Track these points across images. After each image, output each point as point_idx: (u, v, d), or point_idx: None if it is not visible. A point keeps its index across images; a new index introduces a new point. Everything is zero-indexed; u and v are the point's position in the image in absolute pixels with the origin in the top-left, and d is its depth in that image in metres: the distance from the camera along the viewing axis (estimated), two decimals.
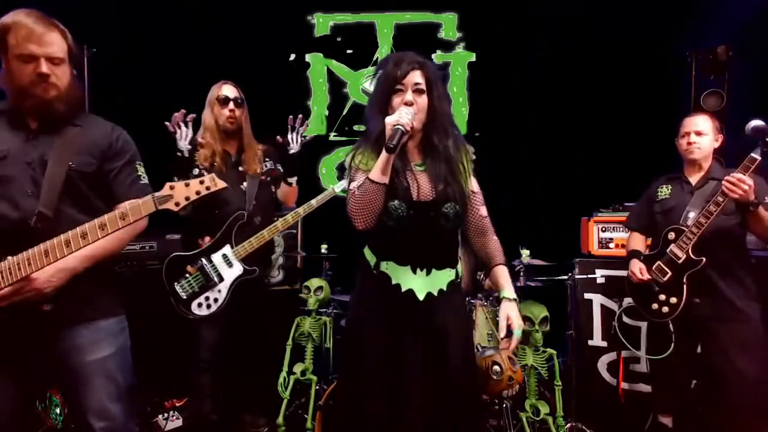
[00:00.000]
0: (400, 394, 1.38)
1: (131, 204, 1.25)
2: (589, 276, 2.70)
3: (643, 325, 2.56)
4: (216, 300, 2.07)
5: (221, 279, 2.08)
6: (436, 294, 1.46)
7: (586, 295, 2.76)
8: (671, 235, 2.07)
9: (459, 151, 1.50)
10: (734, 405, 1.93)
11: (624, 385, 2.57)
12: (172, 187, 1.27)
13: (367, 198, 1.35)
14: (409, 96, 1.39)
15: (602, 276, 2.70)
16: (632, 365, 2.64)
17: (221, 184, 1.31)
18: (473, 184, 1.55)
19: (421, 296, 1.44)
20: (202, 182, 1.29)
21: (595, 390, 2.66)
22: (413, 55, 1.44)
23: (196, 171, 2.15)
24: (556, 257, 2.73)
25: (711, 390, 2.06)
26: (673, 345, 2.06)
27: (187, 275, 2.06)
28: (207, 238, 2.13)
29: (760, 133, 1.88)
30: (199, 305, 2.05)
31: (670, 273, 2.04)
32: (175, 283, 2.04)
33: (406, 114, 1.33)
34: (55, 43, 1.35)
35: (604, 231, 2.84)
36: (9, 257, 1.23)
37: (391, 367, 1.40)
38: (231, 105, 2.18)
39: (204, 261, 2.07)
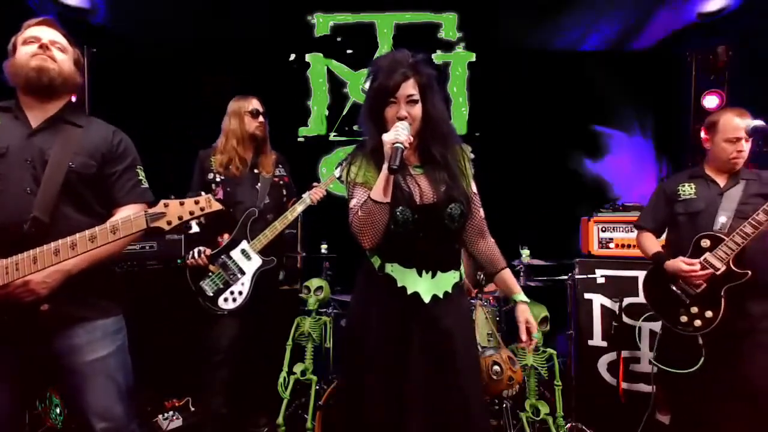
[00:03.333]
0: (402, 399, 1.37)
1: (123, 219, 1.25)
2: (589, 276, 2.69)
3: (644, 325, 2.56)
4: (241, 293, 2.21)
5: (243, 272, 2.23)
6: (441, 296, 1.45)
7: (586, 295, 2.75)
8: (705, 243, 1.89)
9: (456, 153, 1.50)
10: None
11: (624, 385, 2.58)
12: (166, 205, 1.26)
13: (372, 218, 1.33)
14: (402, 111, 1.37)
15: (602, 276, 2.70)
16: (632, 365, 2.64)
17: (216, 205, 1.32)
18: (473, 185, 1.54)
19: (426, 299, 1.43)
20: (197, 202, 1.29)
21: (595, 390, 2.66)
22: (405, 59, 1.39)
23: (210, 175, 2.29)
24: (556, 257, 2.73)
25: (749, 407, 1.87)
26: (702, 359, 1.92)
27: (210, 273, 2.20)
28: (226, 235, 2.26)
29: (760, 133, 1.88)
30: (225, 300, 2.19)
31: (704, 284, 1.89)
32: (201, 282, 2.19)
33: (403, 130, 1.30)
34: (60, 37, 1.42)
35: (604, 231, 2.84)
36: (1, 259, 1.23)
37: (394, 371, 1.39)
38: (261, 118, 2.36)
39: (224, 258, 2.22)
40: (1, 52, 1.44)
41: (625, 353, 2.56)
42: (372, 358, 1.42)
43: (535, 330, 1.50)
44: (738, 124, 1.93)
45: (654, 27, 3.43)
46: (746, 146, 1.93)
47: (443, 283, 1.46)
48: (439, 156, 1.45)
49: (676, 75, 3.37)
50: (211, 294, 2.18)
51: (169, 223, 1.26)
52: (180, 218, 1.27)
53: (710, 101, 3.13)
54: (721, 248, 1.84)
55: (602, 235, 2.84)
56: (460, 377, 1.41)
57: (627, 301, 2.48)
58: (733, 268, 1.84)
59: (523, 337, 1.51)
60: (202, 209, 1.29)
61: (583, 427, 2.40)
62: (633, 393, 2.61)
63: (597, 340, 2.73)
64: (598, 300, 2.74)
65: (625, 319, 2.59)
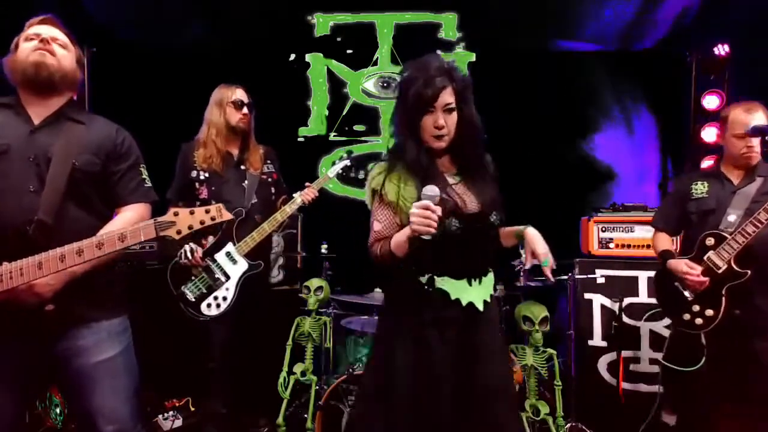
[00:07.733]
0: (468, 406, 1.36)
1: (132, 227, 1.24)
2: (589, 276, 2.69)
3: (644, 325, 2.56)
4: (225, 298, 2.10)
5: (227, 277, 2.11)
6: (489, 301, 1.46)
7: (586, 295, 2.75)
8: (710, 241, 1.88)
9: (488, 160, 1.53)
10: None
11: (624, 385, 2.57)
12: (176, 214, 1.25)
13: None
14: (440, 120, 1.36)
15: (602, 276, 2.70)
16: (632, 365, 2.64)
17: (227, 215, 1.30)
18: None
19: (481, 307, 1.42)
20: (207, 211, 1.27)
21: (595, 390, 2.65)
22: (441, 68, 1.37)
23: (194, 173, 2.15)
24: (556, 257, 2.72)
25: (757, 408, 1.87)
26: (705, 358, 1.92)
27: (193, 277, 2.10)
28: (210, 238, 2.14)
29: (760, 133, 1.87)
30: (209, 306, 2.08)
31: (706, 282, 1.87)
32: (182, 287, 2.08)
33: (431, 217, 1.19)
34: (61, 35, 1.40)
35: (604, 231, 2.84)
36: (5, 263, 1.21)
37: (458, 386, 1.35)
38: (245, 109, 2.21)
39: (208, 261, 2.10)
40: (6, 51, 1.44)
41: (625, 353, 2.56)
42: (438, 377, 1.35)
43: (542, 254, 1.42)
44: (749, 117, 1.89)
45: (654, 27, 3.43)
46: (756, 141, 1.89)
47: (488, 286, 1.47)
48: (476, 164, 1.47)
49: (676, 75, 3.38)
50: (193, 299, 2.08)
51: (178, 232, 1.25)
52: (190, 227, 1.25)
53: (710, 101, 3.13)
54: (724, 247, 1.83)
55: (602, 235, 2.84)
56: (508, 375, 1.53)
57: (627, 301, 2.48)
58: (734, 267, 1.82)
59: (527, 264, 1.44)
60: (212, 218, 1.27)
61: (583, 427, 2.40)
62: (633, 393, 2.61)
63: (597, 340, 2.73)
64: (598, 300, 2.73)
65: (625, 319, 2.59)
